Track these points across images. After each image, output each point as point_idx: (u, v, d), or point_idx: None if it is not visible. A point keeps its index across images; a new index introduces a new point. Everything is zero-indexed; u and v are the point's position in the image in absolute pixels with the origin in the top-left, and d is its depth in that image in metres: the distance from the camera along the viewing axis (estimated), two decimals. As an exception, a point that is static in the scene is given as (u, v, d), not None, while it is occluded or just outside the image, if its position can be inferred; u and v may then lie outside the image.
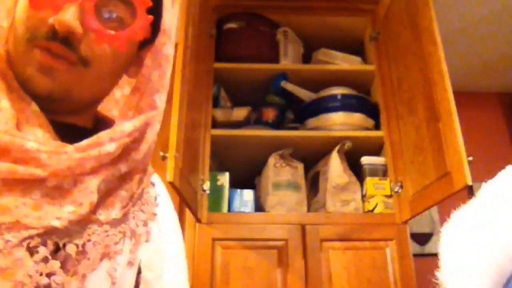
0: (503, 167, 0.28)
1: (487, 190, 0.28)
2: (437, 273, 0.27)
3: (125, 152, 0.57)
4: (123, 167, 0.57)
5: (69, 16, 0.50)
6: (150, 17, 0.56)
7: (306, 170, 1.90)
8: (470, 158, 1.26)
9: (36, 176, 0.48)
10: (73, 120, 0.60)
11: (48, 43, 0.51)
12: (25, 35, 0.52)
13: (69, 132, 0.56)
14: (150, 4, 0.56)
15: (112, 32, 0.54)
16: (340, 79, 1.96)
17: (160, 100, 0.61)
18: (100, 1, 0.53)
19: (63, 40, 0.51)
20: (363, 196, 1.80)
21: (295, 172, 1.85)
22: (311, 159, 1.92)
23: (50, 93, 0.52)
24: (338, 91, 1.92)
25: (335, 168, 1.79)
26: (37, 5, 0.52)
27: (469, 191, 1.26)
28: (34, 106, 0.53)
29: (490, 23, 2.27)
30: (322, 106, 1.90)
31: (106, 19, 0.54)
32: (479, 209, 0.28)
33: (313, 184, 1.90)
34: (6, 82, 0.54)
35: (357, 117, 1.87)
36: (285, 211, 1.75)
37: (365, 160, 1.84)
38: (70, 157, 0.50)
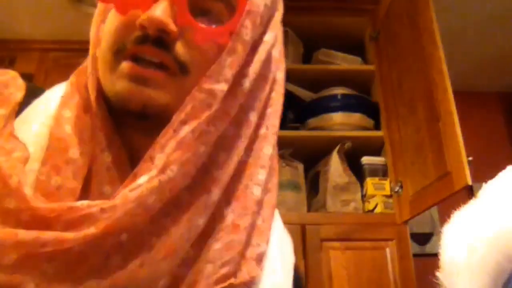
0: (503, 167, 0.28)
1: (488, 191, 0.28)
2: (437, 273, 0.27)
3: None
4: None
5: (160, 12, 0.41)
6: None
7: (306, 170, 1.90)
8: (470, 158, 1.27)
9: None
10: None
11: (137, 47, 0.42)
12: (112, 49, 0.44)
13: None
14: (245, 4, 0.46)
15: (214, 25, 0.45)
16: (340, 79, 1.96)
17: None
18: None
19: (156, 41, 0.42)
20: (363, 196, 1.80)
21: (295, 172, 1.85)
22: (311, 159, 1.92)
23: (144, 109, 0.43)
24: (338, 91, 1.92)
25: (335, 168, 1.79)
26: (124, 6, 0.44)
27: (469, 191, 1.26)
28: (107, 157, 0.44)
29: (490, 23, 2.27)
30: (322, 106, 1.90)
31: (202, 17, 0.45)
32: (480, 209, 0.28)
33: (313, 184, 1.90)
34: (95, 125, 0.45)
35: (357, 117, 1.87)
36: (285, 211, 1.75)
37: (365, 160, 1.85)
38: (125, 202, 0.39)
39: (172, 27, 0.42)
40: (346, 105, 1.88)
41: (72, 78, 0.50)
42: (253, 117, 0.48)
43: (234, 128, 0.47)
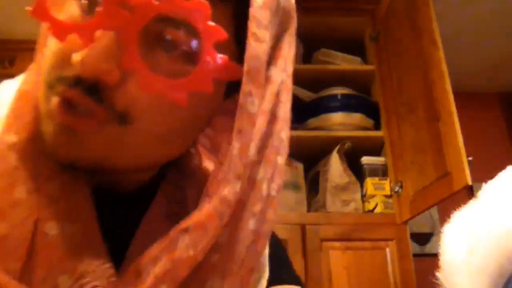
0: (503, 167, 0.28)
1: (488, 191, 0.28)
2: (437, 273, 0.27)
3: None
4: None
5: (98, 54, 0.33)
6: (223, 57, 0.36)
7: (306, 170, 1.90)
8: (470, 158, 1.27)
9: None
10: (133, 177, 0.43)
11: (68, 90, 0.34)
12: (45, 81, 0.36)
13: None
14: (224, 36, 0.34)
15: (163, 79, 0.35)
16: (340, 79, 1.96)
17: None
18: (152, 25, 0.34)
19: (89, 88, 0.34)
20: (363, 196, 1.80)
21: (295, 172, 1.85)
22: (311, 159, 1.92)
23: (74, 162, 0.36)
24: (338, 91, 1.92)
25: (335, 168, 1.79)
26: (61, 31, 0.35)
27: (469, 191, 1.26)
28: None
29: (490, 23, 2.27)
30: (322, 106, 1.90)
31: (162, 53, 0.35)
32: (480, 209, 0.28)
33: (313, 184, 1.90)
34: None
35: (357, 117, 1.87)
36: (285, 211, 1.75)
37: (365, 160, 1.85)
38: None
39: (111, 76, 0.33)
40: (346, 105, 1.88)
41: (22, 86, 0.40)
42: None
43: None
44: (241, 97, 0.37)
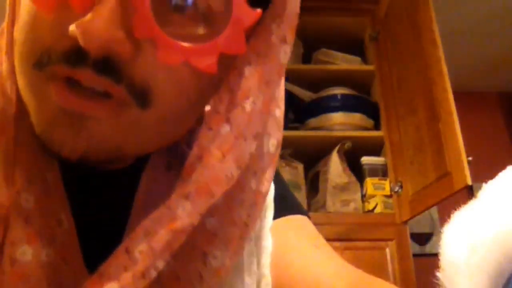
0: (503, 167, 0.28)
1: (488, 191, 0.28)
2: (437, 273, 0.27)
3: None
4: None
5: (104, 21, 0.25)
6: (257, 11, 0.29)
7: (306, 170, 1.90)
8: (470, 158, 1.27)
9: None
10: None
11: (69, 69, 0.27)
12: (30, 60, 0.28)
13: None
14: None
15: (187, 44, 0.28)
16: (340, 79, 1.96)
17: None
18: None
19: (98, 63, 0.27)
20: (363, 196, 1.80)
21: (295, 172, 1.85)
22: (311, 159, 1.92)
23: (83, 157, 0.30)
24: (338, 91, 1.92)
25: (335, 168, 1.79)
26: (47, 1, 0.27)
27: (469, 191, 1.26)
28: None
29: (490, 23, 2.27)
30: (322, 106, 1.90)
31: (179, 17, 0.28)
32: (480, 209, 0.28)
33: (313, 184, 1.90)
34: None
35: (357, 117, 1.87)
36: (285, 211, 1.75)
37: (365, 160, 1.85)
38: None
39: (124, 47, 0.27)
40: (346, 105, 1.88)
41: None
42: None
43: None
44: (275, 41, 0.32)
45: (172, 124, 0.32)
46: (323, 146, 1.86)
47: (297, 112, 1.99)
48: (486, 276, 0.25)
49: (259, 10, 0.29)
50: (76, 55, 0.27)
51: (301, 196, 1.81)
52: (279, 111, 0.38)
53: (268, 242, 0.43)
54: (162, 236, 0.29)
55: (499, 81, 2.71)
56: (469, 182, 1.24)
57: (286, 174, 1.82)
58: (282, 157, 1.85)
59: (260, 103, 0.31)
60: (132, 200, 0.35)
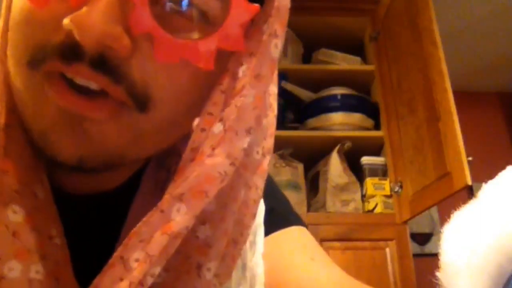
0: (503, 167, 0.28)
1: (488, 191, 0.28)
2: (437, 273, 0.27)
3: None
4: None
5: (100, 14, 0.24)
6: (255, 6, 0.29)
7: (306, 170, 1.90)
8: (470, 158, 1.27)
9: None
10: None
11: (66, 65, 0.26)
12: (23, 59, 0.27)
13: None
14: None
15: (184, 40, 0.28)
16: (340, 79, 1.96)
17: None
18: None
19: (94, 59, 0.26)
20: (363, 196, 1.80)
21: (295, 172, 1.85)
22: (311, 159, 1.92)
23: (82, 161, 0.29)
24: (338, 91, 1.92)
25: (335, 168, 1.79)
26: None
27: (469, 191, 1.26)
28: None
29: (490, 23, 2.27)
30: (322, 106, 1.90)
31: (177, 13, 0.28)
32: (480, 209, 0.28)
33: (313, 184, 1.90)
34: None
35: (357, 117, 1.87)
36: (285, 211, 1.75)
37: (365, 160, 1.85)
38: None
39: (122, 43, 0.25)
40: (346, 105, 1.88)
41: None
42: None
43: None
44: (266, 38, 0.31)
45: (171, 127, 0.31)
46: (323, 146, 1.86)
47: (297, 112, 1.99)
48: (486, 276, 0.25)
49: (256, 5, 0.29)
50: (72, 49, 0.25)
51: (301, 196, 1.81)
52: (271, 113, 0.37)
53: (260, 270, 0.41)
54: (157, 241, 0.27)
55: (499, 81, 2.71)
56: (469, 182, 1.24)
57: (286, 174, 1.82)
58: (282, 157, 1.85)
59: (252, 97, 0.30)
60: (124, 218, 0.35)
